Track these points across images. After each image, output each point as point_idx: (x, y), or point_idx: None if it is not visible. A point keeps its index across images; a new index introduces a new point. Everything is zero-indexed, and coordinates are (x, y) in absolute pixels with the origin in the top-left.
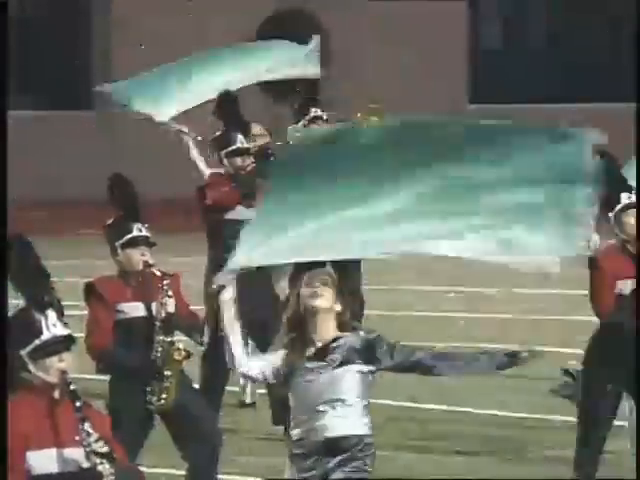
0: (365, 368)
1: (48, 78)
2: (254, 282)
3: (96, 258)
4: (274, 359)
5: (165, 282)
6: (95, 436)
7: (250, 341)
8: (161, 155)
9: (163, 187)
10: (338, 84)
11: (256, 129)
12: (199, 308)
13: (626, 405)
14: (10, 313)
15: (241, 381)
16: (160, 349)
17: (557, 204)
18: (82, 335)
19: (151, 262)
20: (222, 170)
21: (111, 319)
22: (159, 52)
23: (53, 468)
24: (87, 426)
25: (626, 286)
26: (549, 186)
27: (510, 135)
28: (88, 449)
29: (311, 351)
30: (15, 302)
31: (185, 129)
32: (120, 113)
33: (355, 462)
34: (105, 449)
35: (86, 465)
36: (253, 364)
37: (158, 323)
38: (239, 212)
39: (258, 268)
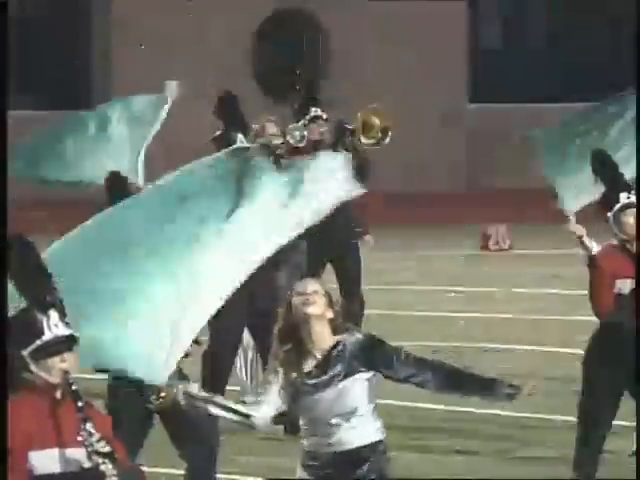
0: (369, 374)
1: (48, 78)
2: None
3: None
4: (273, 398)
5: None
6: (97, 436)
7: (251, 341)
8: (161, 154)
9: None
10: (338, 84)
11: (272, 129)
12: None
13: None
14: (11, 313)
15: (242, 381)
16: None
17: None
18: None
19: None
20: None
21: None
22: (159, 52)
23: (55, 468)
24: (89, 426)
25: (625, 285)
26: None
27: None
28: (90, 449)
29: (311, 364)
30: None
31: None
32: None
33: (375, 470)
34: (107, 449)
35: (88, 465)
36: (260, 415)
37: None
38: None
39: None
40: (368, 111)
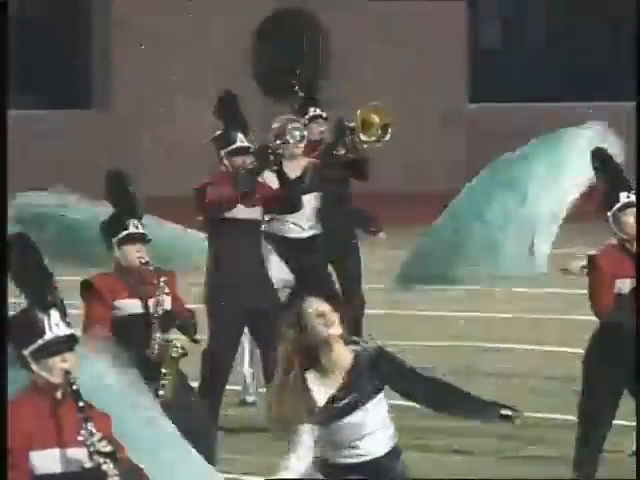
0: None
1: (48, 78)
2: (248, 268)
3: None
4: (307, 440)
5: (162, 279)
6: (98, 436)
7: (252, 340)
8: (161, 153)
9: (163, 185)
10: (338, 84)
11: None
12: (195, 306)
13: None
14: (12, 313)
15: (245, 379)
16: (157, 346)
17: None
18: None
19: (147, 259)
20: (222, 169)
21: (108, 316)
22: (159, 52)
23: (56, 468)
24: (90, 426)
25: (625, 285)
26: None
27: None
28: (92, 449)
29: (335, 386)
30: (14, 301)
31: None
32: (119, 111)
33: (395, 477)
34: (109, 449)
35: (89, 465)
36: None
37: (155, 320)
38: (239, 212)
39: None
40: (368, 109)
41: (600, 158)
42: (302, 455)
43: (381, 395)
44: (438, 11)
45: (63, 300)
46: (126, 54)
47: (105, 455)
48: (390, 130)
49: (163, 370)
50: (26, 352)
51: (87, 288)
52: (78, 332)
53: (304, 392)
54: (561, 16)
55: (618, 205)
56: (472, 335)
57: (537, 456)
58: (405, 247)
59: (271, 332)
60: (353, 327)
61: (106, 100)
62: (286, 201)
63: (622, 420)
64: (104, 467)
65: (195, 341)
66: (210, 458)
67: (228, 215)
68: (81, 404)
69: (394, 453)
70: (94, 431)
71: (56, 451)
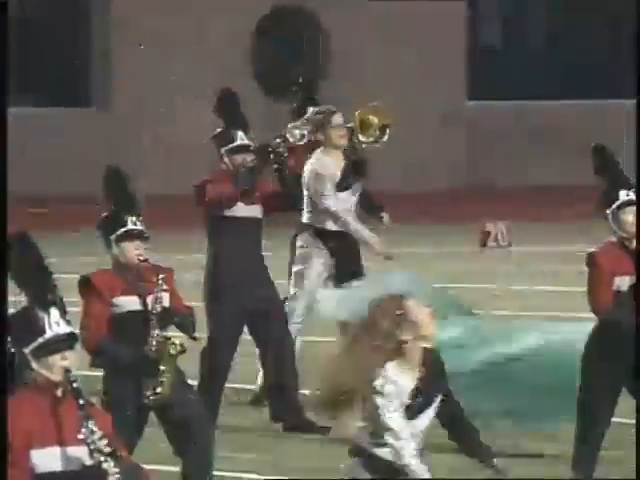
0: None
1: (48, 78)
2: (248, 267)
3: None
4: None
5: (160, 276)
6: (99, 434)
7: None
8: (161, 153)
9: (163, 185)
10: (338, 83)
11: (339, 120)
12: (195, 304)
13: None
14: (12, 311)
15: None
16: (155, 343)
17: None
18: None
19: (146, 256)
20: (223, 167)
21: (106, 313)
22: (159, 52)
23: (56, 466)
24: (91, 424)
25: (624, 282)
26: None
27: None
28: (92, 447)
29: (413, 382)
30: (14, 299)
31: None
32: (119, 111)
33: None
34: (109, 447)
35: (89, 463)
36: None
37: (153, 317)
38: (238, 209)
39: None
40: (366, 109)
41: (600, 156)
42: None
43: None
44: (438, 11)
45: (63, 298)
46: (126, 54)
47: (106, 454)
48: (388, 131)
49: (161, 367)
50: (26, 350)
51: (85, 285)
52: (77, 330)
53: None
54: (561, 16)
55: (617, 203)
56: None
57: (537, 453)
58: (404, 245)
59: (270, 332)
60: None
61: (106, 100)
62: (286, 199)
63: (621, 418)
64: (104, 465)
65: (194, 338)
66: (207, 456)
67: (228, 213)
68: (82, 402)
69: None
70: (95, 429)
71: (56, 449)
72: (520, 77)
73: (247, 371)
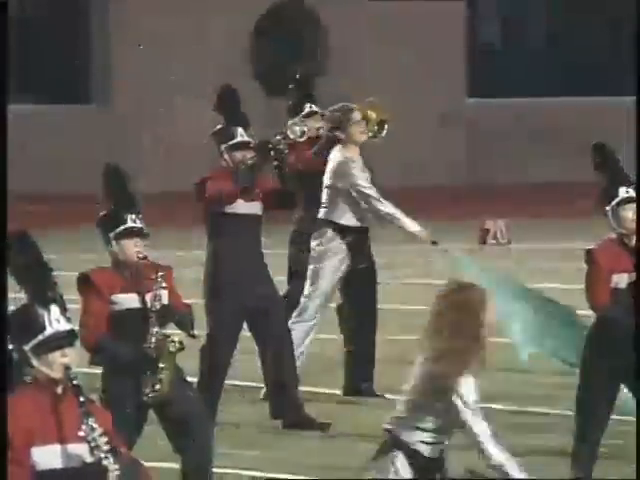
0: None
1: (48, 78)
2: (248, 264)
3: (97, 252)
4: None
5: (159, 274)
6: (99, 431)
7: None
8: (161, 153)
9: (163, 184)
10: (336, 80)
11: (357, 117)
12: (194, 301)
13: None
14: (12, 309)
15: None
16: (154, 341)
17: None
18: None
19: (145, 253)
20: (223, 164)
21: (105, 310)
22: (158, 52)
23: (57, 464)
24: (91, 421)
25: (622, 280)
26: None
27: None
28: (93, 444)
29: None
30: (14, 296)
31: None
32: (119, 111)
33: None
34: (109, 444)
35: (90, 460)
36: None
37: (152, 315)
38: (238, 206)
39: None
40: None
41: (601, 153)
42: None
43: None
44: (437, 11)
45: (63, 296)
46: (125, 54)
47: (106, 450)
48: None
49: (160, 365)
50: (26, 348)
51: (84, 282)
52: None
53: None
54: (561, 16)
55: (617, 200)
56: None
57: (538, 451)
58: (404, 242)
59: (270, 329)
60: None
61: (106, 100)
62: (285, 196)
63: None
64: (105, 462)
65: (192, 336)
66: (207, 453)
67: (228, 210)
68: (82, 399)
69: None
70: (95, 426)
71: (57, 447)
72: (520, 77)
73: (247, 368)
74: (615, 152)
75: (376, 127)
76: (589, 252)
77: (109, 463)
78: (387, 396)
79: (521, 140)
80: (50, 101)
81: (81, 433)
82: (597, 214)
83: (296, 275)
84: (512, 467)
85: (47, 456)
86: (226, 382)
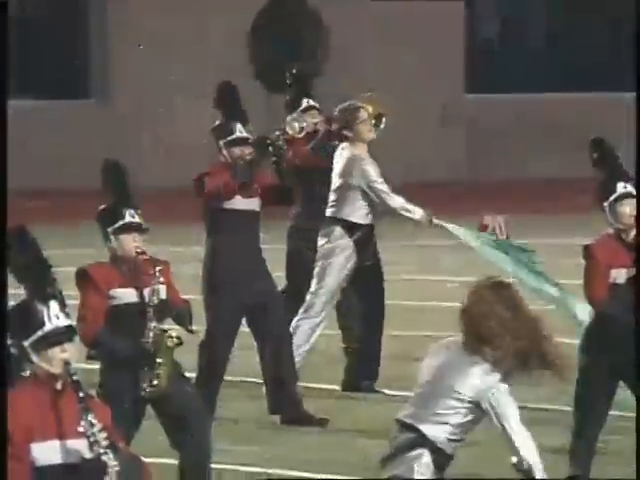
0: None
1: (47, 78)
2: (246, 260)
3: (96, 247)
4: None
5: (157, 269)
6: (99, 426)
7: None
8: (160, 153)
9: (161, 176)
10: (338, 80)
11: (364, 115)
12: (193, 297)
13: None
14: (12, 304)
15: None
16: (152, 336)
17: None
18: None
19: (143, 249)
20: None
21: (104, 305)
22: (158, 52)
23: (56, 459)
24: (91, 417)
25: (621, 275)
26: None
27: None
28: (92, 439)
29: None
30: (13, 292)
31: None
32: (119, 111)
33: None
34: (109, 440)
35: (89, 456)
36: None
37: (150, 310)
38: (237, 202)
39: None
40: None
41: (599, 148)
42: None
43: None
44: (437, 10)
45: (62, 291)
46: (125, 54)
47: (105, 446)
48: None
49: (158, 360)
50: (26, 343)
51: (82, 277)
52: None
53: None
54: (561, 16)
55: (615, 195)
56: None
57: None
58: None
59: (268, 325)
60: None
61: (106, 100)
62: (283, 192)
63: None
64: (104, 458)
65: (190, 331)
66: (205, 448)
67: (226, 206)
68: (81, 395)
69: None
70: (94, 422)
71: (56, 442)
72: (519, 77)
73: (246, 364)
74: (613, 147)
75: (374, 121)
76: (587, 247)
77: (108, 459)
78: (386, 392)
79: (521, 137)
80: (50, 97)
81: (80, 429)
82: (596, 209)
83: (294, 270)
84: (539, 470)
85: (46, 452)
86: (225, 378)
